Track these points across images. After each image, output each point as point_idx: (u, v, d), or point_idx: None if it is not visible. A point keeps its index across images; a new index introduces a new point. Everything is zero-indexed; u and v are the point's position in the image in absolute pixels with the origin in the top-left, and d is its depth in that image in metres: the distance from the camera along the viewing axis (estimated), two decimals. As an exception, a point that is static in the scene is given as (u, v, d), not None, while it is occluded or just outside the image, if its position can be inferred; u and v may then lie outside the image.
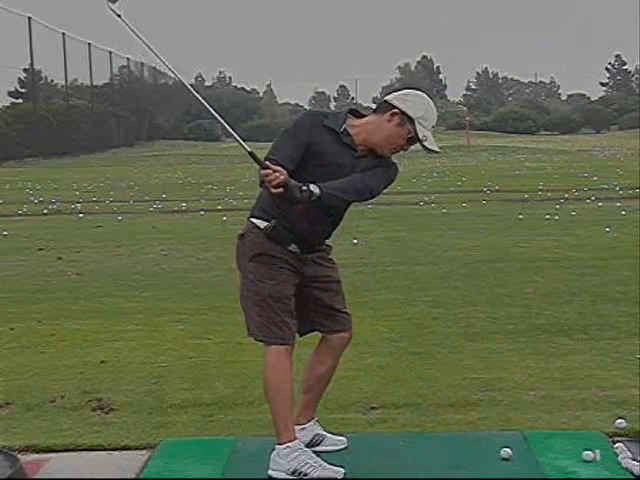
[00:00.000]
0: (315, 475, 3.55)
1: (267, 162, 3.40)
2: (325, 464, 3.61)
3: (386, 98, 3.68)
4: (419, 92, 3.72)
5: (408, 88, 3.86)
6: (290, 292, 3.63)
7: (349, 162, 3.60)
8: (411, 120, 3.58)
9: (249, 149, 3.48)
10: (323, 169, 3.54)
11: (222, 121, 3.53)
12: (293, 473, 3.57)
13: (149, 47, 3.53)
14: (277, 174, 3.34)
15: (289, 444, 3.59)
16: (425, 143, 3.61)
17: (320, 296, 3.74)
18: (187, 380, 5.11)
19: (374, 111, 3.68)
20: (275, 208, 3.58)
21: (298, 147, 3.52)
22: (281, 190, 3.35)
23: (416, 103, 3.61)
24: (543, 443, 3.91)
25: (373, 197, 3.66)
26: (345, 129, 3.61)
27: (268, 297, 3.58)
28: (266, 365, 3.61)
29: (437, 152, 3.66)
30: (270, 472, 3.63)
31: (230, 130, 3.54)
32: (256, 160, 3.42)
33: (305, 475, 3.56)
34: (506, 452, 3.77)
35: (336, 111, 3.75)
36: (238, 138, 3.53)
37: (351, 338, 3.90)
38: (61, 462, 3.91)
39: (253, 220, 3.66)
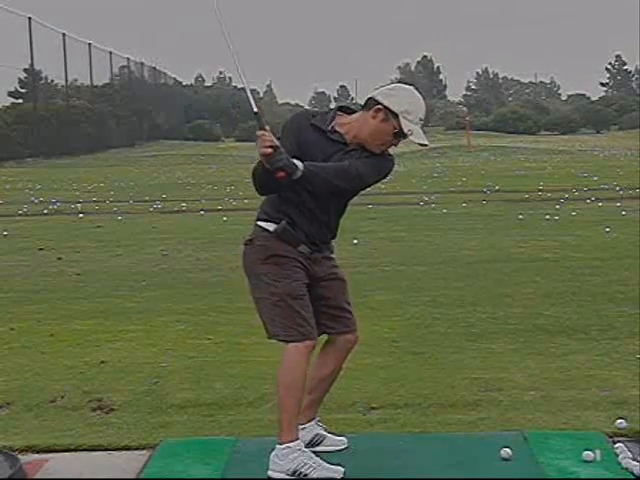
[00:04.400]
0: (315, 475, 3.55)
1: (267, 127, 3.41)
2: (324, 464, 3.61)
3: (371, 94, 3.65)
4: (405, 86, 3.69)
5: (399, 82, 3.84)
6: (304, 290, 3.64)
7: (339, 158, 3.59)
8: (395, 115, 3.55)
9: (255, 109, 3.48)
10: (311, 158, 3.53)
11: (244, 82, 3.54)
12: (293, 474, 3.56)
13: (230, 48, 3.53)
14: (272, 137, 3.37)
15: (289, 444, 3.59)
16: (411, 137, 3.57)
17: (327, 295, 3.74)
18: (187, 380, 5.11)
19: (362, 107, 3.66)
20: (282, 210, 3.59)
21: (292, 146, 3.52)
22: (270, 151, 3.36)
23: (400, 97, 3.57)
24: (543, 443, 3.91)
25: (365, 185, 3.63)
26: (332, 127, 3.61)
27: (286, 295, 3.58)
28: (283, 362, 3.59)
29: (426, 145, 3.60)
30: (270, 473, 3.63)
31: (246, 89, 3.52)
32: (259, 121, 3.43)
33: (305, 476, 3.56)
34: (506, 452, 3.77)
35: (325, 110, 3.73)
36: (250, 95, 3.52)
37: (357, 342, 3.88)
38: (61, 462, 3.91)
39: (261, 224, 3.65)
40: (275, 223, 3.61)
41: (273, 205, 3.64)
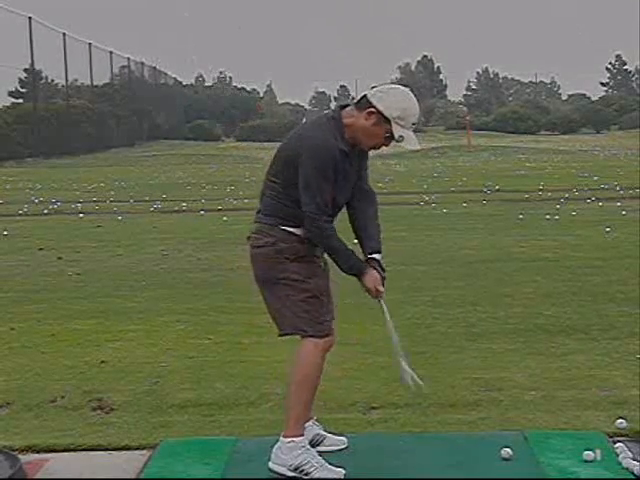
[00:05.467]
0: (316, 475, 3.55)
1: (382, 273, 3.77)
2: (327, 464, 3.60)
3: (366, 93, 3.62)
4: (400, 89, 3.64)
5: (395, 83, 3.81)
6: None
7: (355, 169, 3.69)
8: (387, 120, 3.54)
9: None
10: (341, 183, 3.62)
11: None
12: (295, 470, 3.56)
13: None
14: (377, 280, 3.73)
15: (294, 439, 3.58)
16: (402, 143, 3.58)
17: (327, 284, 3.82)
18: (187, 380, 5.11)
19: (356, 103, 3.64)
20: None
21: (333, 179, 3.56)
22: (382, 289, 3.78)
23: (393, 102, 3.54)
24: (543, 443, 3.91)
25: None
26: (348, 140, 3.61)
27: (318, 292, 3.65)
28: (301, 359, 3.60)
29: (417, 150, 3.67)
30: (271, 465, 3.62)
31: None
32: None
33: (307, 474, 3.55)
34: (506, 452, 3.77)
35: (331, 115, 3.65)
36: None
37: (334, 339, 3.85)
38: (61, 462, 3.91)
39: (287, 229, 3.63)
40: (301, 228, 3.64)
41: (297, 214, 3.60)
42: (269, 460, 3.65)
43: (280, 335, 3.73)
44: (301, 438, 3.61)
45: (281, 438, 3.62)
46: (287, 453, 3.58)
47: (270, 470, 3.62)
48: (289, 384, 3.66)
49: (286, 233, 3.63)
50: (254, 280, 3.76)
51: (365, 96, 3.61)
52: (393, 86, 3.69)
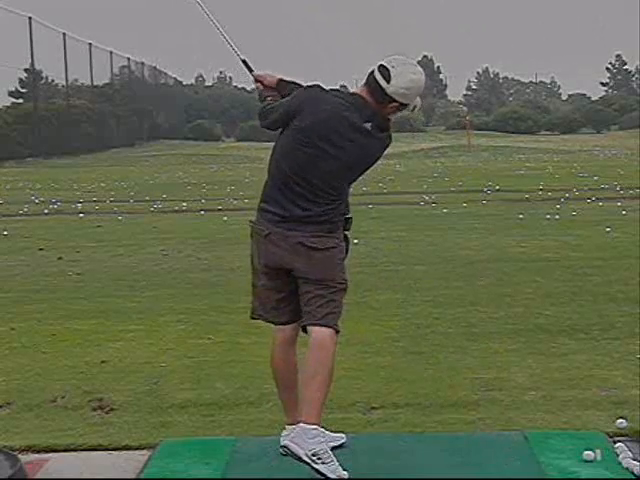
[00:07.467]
0: (332, 466, 3.52)
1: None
2: (336, 461, 3.59)
3: (386, 89, 3.65)
4: (415, 75, 3.69)
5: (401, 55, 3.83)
6: None
7: None
8: (406, 105, 3.74)
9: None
10: None
11: None
12: (313, 456, 3.52)
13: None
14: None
15: (318, 427, 3.57)
16: (415, 110, 3.87)
17: None
18: (187, 380, 5.11)
19: (365, 83, 3.75)
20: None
21: None
22: None
23: (414, 92, 3.71)
24: (544, 443, 3.91)
25: None
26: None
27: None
28: (327, 352, 3.64)
29: (419, 105, 3.82)
30: (288, 443, 3.57)
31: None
32: None
33: (324, 463, 3.51)
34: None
35: (374, 125, 3.73)
36: None
37: None
38: (61, 462, 3.91)
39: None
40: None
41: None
42: (269, 460, 3.63)
43: (314, 325, 3.72)
44: (321, 428, 3.61)
45: (303, 425, 3.57)
46: (312, 438, 3.53)
47: (284, 447, 3.60)
48: (311, 377, 3.61)
49: (343, 232, 3.85)
50: (304, 277, 3.71)
51: (383, 90, 3.66)
52: (410, 74, 3.69)
